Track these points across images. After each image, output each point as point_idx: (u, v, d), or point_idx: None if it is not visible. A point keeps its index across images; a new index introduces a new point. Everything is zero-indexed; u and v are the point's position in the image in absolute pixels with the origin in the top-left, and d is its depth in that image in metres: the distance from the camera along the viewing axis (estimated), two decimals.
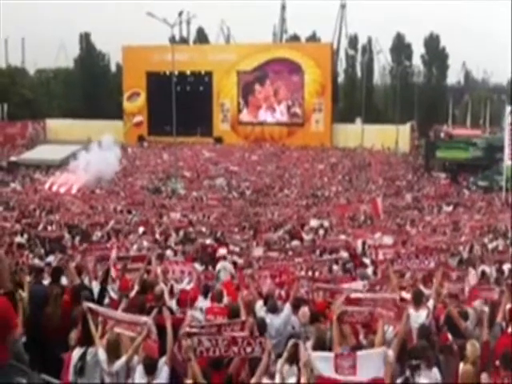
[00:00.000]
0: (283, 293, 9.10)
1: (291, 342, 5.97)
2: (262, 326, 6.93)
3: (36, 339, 7.13)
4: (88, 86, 64.54)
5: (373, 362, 5.22)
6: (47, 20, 75.24)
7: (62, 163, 36.40)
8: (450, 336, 6.89)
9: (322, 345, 6.15)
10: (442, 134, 46.61)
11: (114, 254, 9.62)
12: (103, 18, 75.30)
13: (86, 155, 31.27)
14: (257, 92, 56.63)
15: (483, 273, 11.47)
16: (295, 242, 16.41)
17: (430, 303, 7.65)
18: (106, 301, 8.06)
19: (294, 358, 5.81)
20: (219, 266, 10.09)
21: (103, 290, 7.94)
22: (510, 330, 6.98)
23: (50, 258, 11.22)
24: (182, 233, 16.71)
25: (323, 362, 5.18)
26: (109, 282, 8.64)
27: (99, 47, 69.69)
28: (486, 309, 7.72)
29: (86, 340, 6.02)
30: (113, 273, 8.95)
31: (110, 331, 6.10)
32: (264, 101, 56.60)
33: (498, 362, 5.69)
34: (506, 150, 35.04)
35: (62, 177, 29.98)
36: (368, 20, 69.76)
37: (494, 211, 26.74)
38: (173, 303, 8.27)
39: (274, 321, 7.44)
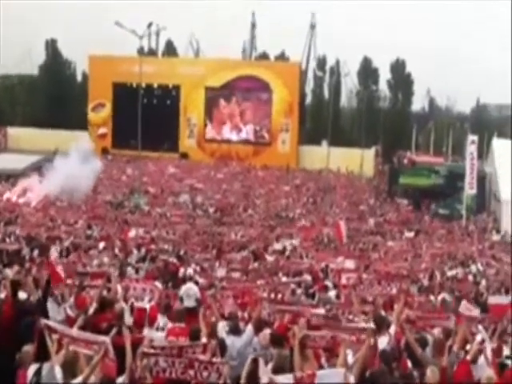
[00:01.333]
0: (246, 314, 9.03)
1: (250, 358, 5.94)
2: (222, 347, 6.88)
3: None
4: (53, 94, 63.27)
5: (332, 381, 5.25)
6: (13, 25, 73.95)
7: (23, 173, 35.63)
8: (409, 363, 6.93)
9: (281, 370, 6.11)
10: (406, 160, 47.39)
11: (54, 254, 9.35)
12: (71, 24, 74.43)
13: (60, 165, 29.93)
14: (224, 109, 56.64)
15: (443, 301, 11.61)
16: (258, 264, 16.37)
17: (392, 329, 7.70)
18: (60, 317, 7.87)
19: (254, 376, 5.76)
20: (183, 289, 9.94)
21: (44, 302, 7.78)
22: (468, 357, 7.07)
23: (8, 271, 10.91)
24: (143, 250, 16.47)
25: (283, 381, 5.20)
26: (66, 299, 8.45)
27: (66, 55, 68.81)
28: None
29: (42, 356, 5.87)
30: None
31: (67, 349, 5.95)
32: (231, 118, 56.66)
33: None
34: (467, 179, 35.89)
35: (22, 187, 29.21)
36: (337, 42, 70.68)
37: (454, 239, 27.26)
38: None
39: (235, 342, 7.42)
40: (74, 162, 29.00)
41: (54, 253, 9.46)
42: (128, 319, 8.02)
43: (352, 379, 5.95)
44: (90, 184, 29.61)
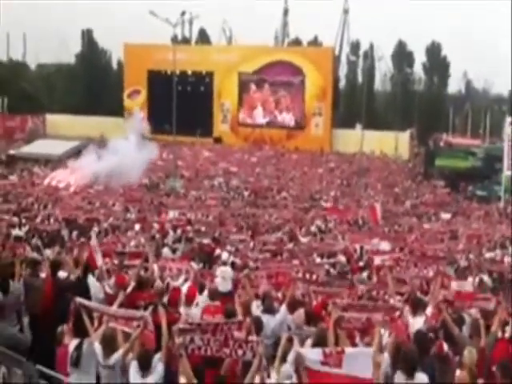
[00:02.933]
0: (280, 294, 9.08)
1: (285, 337, 5.99)
2: (258, 325, 6.93)
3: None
4: (89, 82, 64.55)
5: (360, 359, 5.26)
6: (49, 15, 75.29)
7: (61, 158, 36.31)
8: (445, 344, 6.87)
9: (322, 344, 6.14)
10: (442, 143, 46.67)
11: (93, 239, 9.52)
12: (106, 14, 75.30)
13: (117, 147, 29.81)
14: (256, 94, 56.64)
15: (480, 282, 11.47)
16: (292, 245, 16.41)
17: (428, 310, 7.66)
18: (101, 296, 8.07)
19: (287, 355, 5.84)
20: (219, 272, 10.05)
21: (83, 280, 7.92)
22: (506, 335, 6.99)
23: (48, 252, 11.20)
24: (179, 231, 16.68)
25: (311, 356, 5.22)
26: (104, 277, 8.65)
27: (101, 44, 69.81)
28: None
29: (80, 333, 6.02)
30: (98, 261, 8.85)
31: (106, 325, 6.10)
32: (264, 103, 56.62)
33: (494, 369, 5.69)
34: (505, 161, 35.21)
35: (63, 171, 29.68)
36: (370, 26, 69.91)
37: (491, 221, 26.78)
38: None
39: (270, 321, 7.45)
40: (131, 145, 29.10)
41: (93, 238, 9.69)
42: (164, 298, 8.14)
43: (385, 359, 5.96)
44: (141, 169, 29.76)
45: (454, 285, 9.98)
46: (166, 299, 8.22)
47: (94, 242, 9.21)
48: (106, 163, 27.25)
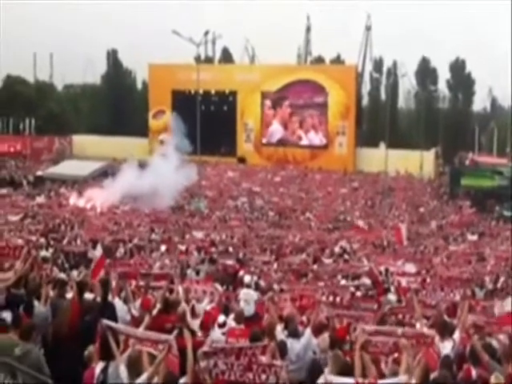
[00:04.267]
0: (304, 318, 9.03)
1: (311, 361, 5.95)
2: (282, 349, 6.89)
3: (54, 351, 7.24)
4: (114, 103, 65.56)
5: None
6: (75, 36, 76.79)
7: (87, 179, 36.81)
8: (473, 370, 6.74)
9: (339, 371, 6.10)
10: (467, 161, 46.18)
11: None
12: (130, 35, 76.67)
13: (156, 167, 29.75)
14: (280, 113, 56.82)
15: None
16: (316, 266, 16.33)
17: (456, 335, 7.54)
18: (128, 318, 8.12)
19: (315, 378, 5.81)
20: (242, 294, 10.05)
21: (104, 302, 7.99)
22: None
23: (75, 273, 11.31)
24: (203, 252, 16.73)
25: None
26: (130, 300, 8.71)
27: (126, 64, 70.91)
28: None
29: (107, 356, 6.05)
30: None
31: (132, 348, 6.12)
32: (287, 122, 56.75)
33: None
34: None
35: (90, 192, 30.03)
36: (393, 43, 69.74)
37: None
38: (195, 323, 8.25)
39: (294, 345, 7.40)
40: (171, 166, 29.23)
41: (98, 251, 9.91)
42: (190, 320, 8.16)
43: None
44: (177, 191, 29.80)
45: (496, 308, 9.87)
46: (194, 322, 8.23)
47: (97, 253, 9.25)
48: (146, 183, 27.55)
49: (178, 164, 29.53)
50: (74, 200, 29.03)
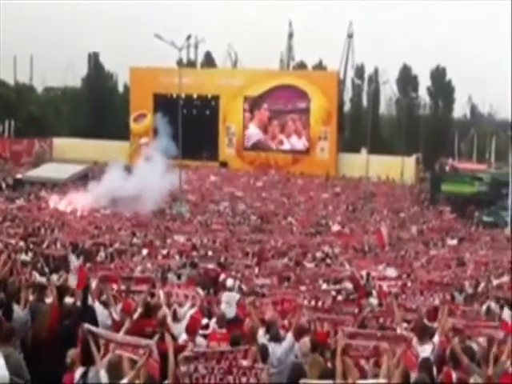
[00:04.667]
0: (286, 322, 9.03)
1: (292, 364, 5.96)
2: (264, 353, 6.88)
3: (33, 355, 7.16)
4: (95, 106, 65.03)
5: None
6: (56, 39, 76.25)
7: (67, 182, 36.50)
8: (453, 373, 6.79)
9: (319, 374, 6.12)
10: (448, 168, 46.69)
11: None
12: (112, 38, 76.24)
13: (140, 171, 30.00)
14: (262, 118, 56.94)
15: (488, 309, 11.38)
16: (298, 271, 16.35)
17: (435, 338, 7.60)
18: (109, 322, 8.05)
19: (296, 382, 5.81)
20: (224, 297, 10.02)
21: (84, 307, 7.95)
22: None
23: (54, 277, 11.18)
24: (184, 256, 16.67)
25: None
26: (111, 304, 8.63)
27: (107, 67, 70.45)
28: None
29: (87, 360, 5.99)
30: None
31: (112, 353, 6.07)
32: (269, 127, 56.88)
33: None
34: None
35: (73, 195, 29.82)
36: (375, 50, 70.39)
37: (499, 247, 26.64)
38: (177, 327, 8.20)
39: (276, 349, 7.38)
40: (157, 171, 29.09)
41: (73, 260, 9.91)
42: (171, 325, 8.11)
43: None
44: (162, 195, 29.67)
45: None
46: (177, 326, 8.17)
47: (75, 263, 9.19)
48: (131, 186, 27.45)
49: (164, 168, 29.53)
50: (54, 203, 28.78)
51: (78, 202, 28.11)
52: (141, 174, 29.62)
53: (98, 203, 27.73)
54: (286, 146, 56.37)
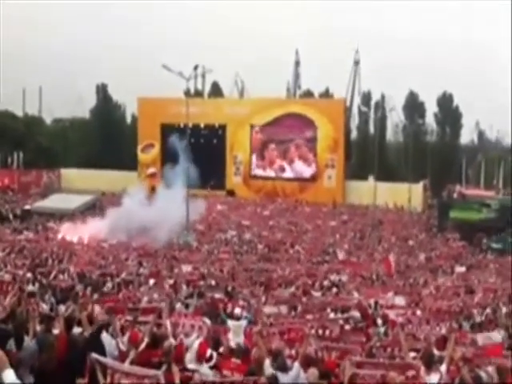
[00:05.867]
0: (293, 351, 9.00)
1: None
2: (273, 383, 6.85)
3: None
4: (103, 137, 65.57)
5: None
6: (64, 70, 77.36)
7: (75, 212, 36.69)
8: None
9: None
10: (455, 194, 46.59)
11: None
12: (120, 69, 77.24)
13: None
14: (270, 147, 57.26)
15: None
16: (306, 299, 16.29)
17: (443, 367, 7.55)
18: (116, 353, 8.06)
19: None
20: (230, 326, 10.01)
21: (98, 337, 7.93)
22: None
23: (62, 307, 11.22)
24: (192, 286, 16.65)
25: None
26: (118, 334, 8.65)
27: (115, 98, 71.31)
28: None
29: None
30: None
31: (118, 383, 6.08)
32: (277, 155, 57.17)
33: None
34: None
35: (77, 226, 30.04)
36: (381, 77, 70.81)
37: (507, 274, 26.41)
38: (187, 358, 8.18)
39: (283, 379, 7.34)
40: (177, 198, 29.64)
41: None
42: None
43: None
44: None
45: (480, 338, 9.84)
46: (191, 356, 8.17)
47: None
48: (152, 215, 27.72)
49: (184, 197, 29.96)
50: (67, 232, 29.00)
51: (94, 230, 28.38)
52: (161, 201, 30.12)
53: (114, 231, 28.05)
54: (293, 175, 56.45)
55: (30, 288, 13.58)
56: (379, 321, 13.04)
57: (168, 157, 55.40)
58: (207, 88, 69.18)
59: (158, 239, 27.27)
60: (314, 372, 7.61)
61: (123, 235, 27.91)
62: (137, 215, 28.32)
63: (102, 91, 70.49)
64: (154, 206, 30.25)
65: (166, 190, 32.73)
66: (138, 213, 28.65)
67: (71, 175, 58.42)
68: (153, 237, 27.20)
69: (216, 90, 69.18)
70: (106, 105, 70.29)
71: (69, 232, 28.92)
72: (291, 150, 56.56)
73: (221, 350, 8.72)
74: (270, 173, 57.06)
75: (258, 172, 57.57)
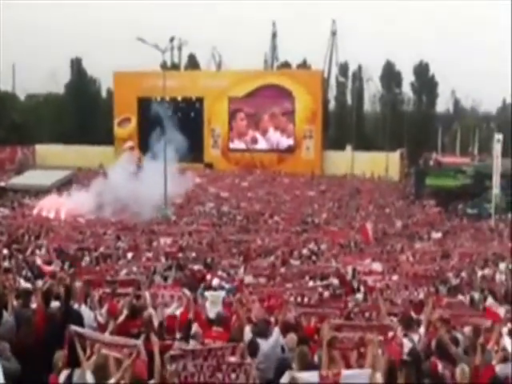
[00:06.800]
0: (272, 319, 9.05)
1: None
2: (253, 349, 6.89)
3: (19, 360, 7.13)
4: (79, 112, 64.47)
5: (356, 380, 5.23)
6: (38, 46, 75.79)
7: (51, 188, 36.25)
8: (439, 363, 6.86)
9: (305, 366, 6.14)
10: (432, 162, 47.01)
11: None
12: (94, 43, 75.85)
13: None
14: (247, 119, 56.99)
15: (472, 300, 11.50)
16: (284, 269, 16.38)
17: (421, 329, 7.67)
18: (95, 325, 8.04)
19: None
20: (209, 296, 10.03)
21: (67, 310, 7.91)
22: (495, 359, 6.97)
23: (39, 283, 11.12)
24: (170, 259, 16.63)
25: (308, 379, 5.19)
26: (96, 307, 8.63)
27: (90, 72, 70.04)
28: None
29: (73, 362, 5.97)
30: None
31: (98, 353, 6.05)
32: (255, 127, 56.96)
33: None
34: (495, 178, 35.45)
35: (52, 201, 29.72)
36: (358, 47, 70.77)
37: (483, 239, 26.90)
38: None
39: (262, 345, 7.39)
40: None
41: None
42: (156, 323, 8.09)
43: (379, 379, 5.95)
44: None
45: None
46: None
47: None
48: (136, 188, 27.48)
49: (170, 171, 29.75)
50: (37, 209, 28.66)
51: (78, 204, 28.10)
52: (147, 175, 29.91)
53: (100, 205, 27.82)
54: (271, 146, 56.29)
55: (6, 264, 13.46)
56: (359, 287, 13.18)
57: (145, 130, 55.15)
58: (184, 61, 68.35)
59: (144, 213, 27.11)
60: (292, 337, 7.68)
61: (109, 209, 27.66)
62: (123, 189, 28.00)
63: (77, 66, 69.16)
64: (141, 180, 30.01)
65: (151, 162, 32.33)
66: (124, 187, 28.33)
67: (46, 151, 57.53)
68: (138, 211, 27.05)
69: (193, 63, 68.30)
70: (80, 79, 69.00)
71: (51, 206, 28.57)
72: (264, 120, 56.28)
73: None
74: (249, 144, 56.81)
75: (237, 144, 57.37)
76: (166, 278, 13.73)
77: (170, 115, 36.61)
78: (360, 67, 64.38)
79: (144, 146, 55.29)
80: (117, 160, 50.19)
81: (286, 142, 56.38)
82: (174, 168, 31.63)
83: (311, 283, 13.93)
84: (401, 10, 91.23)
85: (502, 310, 10.03)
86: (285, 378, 5.71)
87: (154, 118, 39.71)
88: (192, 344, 7.81)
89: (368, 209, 36.36)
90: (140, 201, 27.51)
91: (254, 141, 56.87)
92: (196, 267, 15.34)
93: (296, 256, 18.80)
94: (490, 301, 11.40)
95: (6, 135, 56.11)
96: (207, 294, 10.69)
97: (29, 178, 39.26)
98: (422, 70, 64.51)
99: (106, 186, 29.77)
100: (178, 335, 8.04)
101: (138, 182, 29.75)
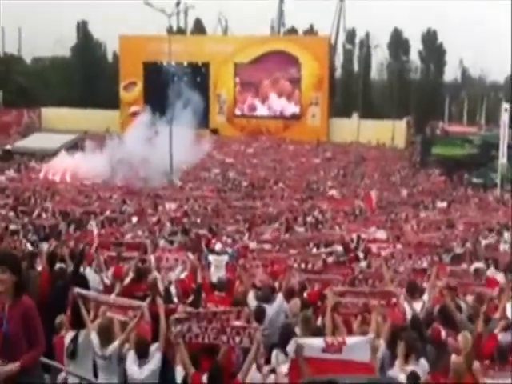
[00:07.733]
0: (276, 284, 9.11)
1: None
2: (259, 314, 6.94)
3: None
4: (84, 75, 64.20)
5: (360, 346, 5.28)
6: (44, 9, 74.78)
7: (57, 152, 36.19)
8: (442, 330, 6.90)
9: (309, 330, 6.19)
10: (438, 131, 46.67)
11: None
12: (101, 6, 74.69)
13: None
14: (253, 84, 56.48)
15: (476, 269, 11.51)
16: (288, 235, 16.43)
17: (425, 296, 7.71)
18: (100, 288, 8.11)
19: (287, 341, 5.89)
20: (212, 260, 10.08)
21: (77, 272, 7.96)
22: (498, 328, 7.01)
23: (45, 245, 11.20)
24: (176, 223, 16.70)
25: (313, 345, 5.23)
26: (102, 269, 8.69)
27: (96, 36, 69.41)
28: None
29: (77, 324, 6.02)
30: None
31: (103, 315, 6.11)
32: (260, 94, 56.50)
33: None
34: (502, 148, 35.20)
35: (58, 163, 29.65)
36: (366, 14, 69.57)
37: (488, 208, 26.84)
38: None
39: (267, 310, 7.45)
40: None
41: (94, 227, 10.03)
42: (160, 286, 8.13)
43: (381, 345, 6.01)
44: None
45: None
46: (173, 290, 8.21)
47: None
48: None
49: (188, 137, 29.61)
50: (43, 172, 28.63)
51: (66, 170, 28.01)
52: (163, 140, 29.82)
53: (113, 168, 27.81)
54: (277, 112, 55.90)
55: (13, 226, 13.53)
56: (361, 254, 13.21)
57: (150, 95, 54.84)
58: (190, 26, 67.49)
59: (153, 179, 27.21)
60: (296, 302, 7.75)
61: (120, 173, 27.62)
62: (137, 154, 27.94)
63: (83, 29, 68.52)
64: (154, 145, 30.00)
65: (167, 127, 32.13)
66: (138, 152, 28.24)
67: (52, 115, 57.29)
68: (146, 176, 27.13)
69: (199, 28, 67.47)
70: (86, 43, 68.45)
71: (57, 169, 28.52)
72: (275, 87, 55.74)
73: None
74: (255, 110, 56.40)
75: (242, 110, 56.99)
76: (171, 243, 13.81)
77: (173, 81, 36.07)
78: (367, 34, 63.57)
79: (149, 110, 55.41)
80: (122, 124, 50.38)
81: (290, 108, 55.91)
82: (191, 134, 31.33)
83: (315, 250, 13.99)
84: None
85: (499, 276, 10.10)
86: (291, 346, 5.75)
87: (163, 82, 39.25)
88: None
89: (373, 177, 36.27)
90: (151, 166, 27.48)
91: (259, 107, 56.45)
92: (201, 232, 15.38)
93: (300, 223, 18.83)
94: (491, 270, 11.42)
95: (13, 98, 55.86)
96: (211, 257, 10.74)
97: (35, 141, 39.17)
98: (429, 38, 63.58)
99: (120, 150, 29.64)
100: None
101: (152, 147, 29.67)
